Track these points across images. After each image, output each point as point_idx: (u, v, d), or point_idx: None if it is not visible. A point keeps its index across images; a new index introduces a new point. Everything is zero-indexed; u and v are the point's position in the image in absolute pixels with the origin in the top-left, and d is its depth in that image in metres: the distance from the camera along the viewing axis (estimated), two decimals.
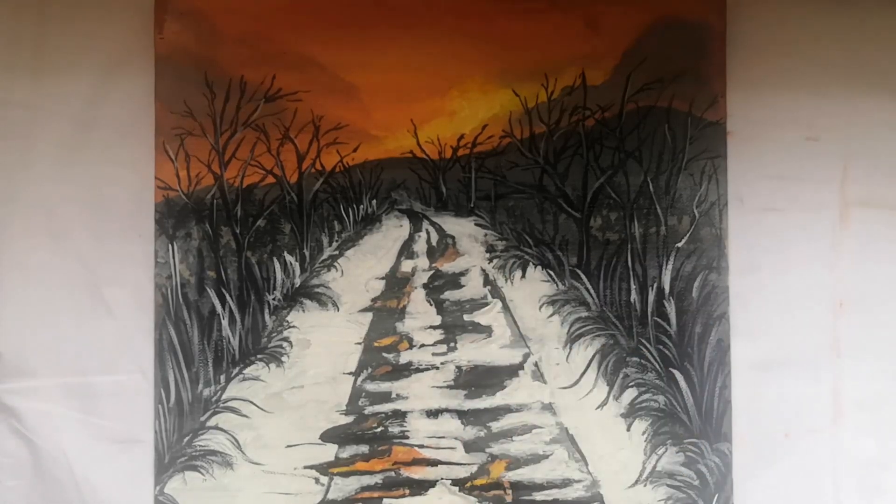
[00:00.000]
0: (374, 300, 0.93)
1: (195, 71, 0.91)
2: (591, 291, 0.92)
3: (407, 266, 0.93)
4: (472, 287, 0.93)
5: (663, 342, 0.92)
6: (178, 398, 0.91)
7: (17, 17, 0.92)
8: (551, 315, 0.92)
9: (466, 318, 0.93)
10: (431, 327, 0.93)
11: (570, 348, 0.92)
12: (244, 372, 0.91)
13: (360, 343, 0.92)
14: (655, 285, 0.92)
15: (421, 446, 0.92)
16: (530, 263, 0.92)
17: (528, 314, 0.92)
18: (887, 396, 0.94)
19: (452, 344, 0.92)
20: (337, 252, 0.93)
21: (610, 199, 0.92)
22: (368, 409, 0.92)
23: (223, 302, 0.91)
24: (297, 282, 0.92)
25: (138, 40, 0.92)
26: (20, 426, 0.91)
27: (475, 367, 0.92)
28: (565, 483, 0.91)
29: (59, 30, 0.92)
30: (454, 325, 0.92)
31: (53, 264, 0.92)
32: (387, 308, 0.92)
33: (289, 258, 0.92)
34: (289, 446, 0.91)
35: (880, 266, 0.94)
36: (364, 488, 0.91)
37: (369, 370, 0.92)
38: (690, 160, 0.92)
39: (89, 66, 0.92)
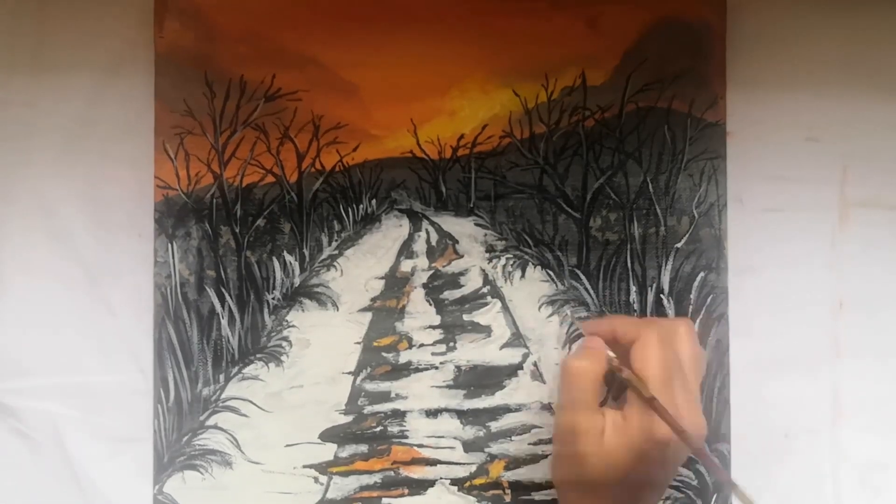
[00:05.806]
0: (373, 300, 0.92)
1: (195, 70, 0.91)
2: (591, 291, 0.92)
3: (406, 266, 0.93)
4: (472, 287, 0.93)
5: None
6: (177, 397, 0.91)
7: (16, 17, 0.92)
8: (551, 315, 0.92)
9: (466, 317, 0.93)
10: (431, 327, 0.93)
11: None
12: (243, 371, 0.91)
13: (359, 343, 0.92)
14: (654, 285, 0.92)
15: (420, 446, 0.92)
16: (530, 263, 0.92)
17: (527, 314, 0.92)
18: (887, 396, 0.94)
19: (452, 344, 0.92)
20: (336, 252, 0.93)
21: (610, 199, 0.92)
22: (368, 409, 0.92)
23: (222, 301, 0.91)
24: (297, 281, 0.92)
25: (138, 39, 0.91)
26: (20, 426, 0.91)
27: (474, 366, 0.92)
28: None
29: (59, 29, 0.92)
30: (454, 325, 0.92)
31: (52, 263, 0.92)
32: (386, 308, 0.92)
33: (288, 258, 0.92)
34: (288, 446, 0.91)
35: (880, 266, 0.94)
36: (363, 488, 0.91)
37: (369, 370, 0.92)
38: (690, 161, 0.92)
39: (89, 64, 0.92)
